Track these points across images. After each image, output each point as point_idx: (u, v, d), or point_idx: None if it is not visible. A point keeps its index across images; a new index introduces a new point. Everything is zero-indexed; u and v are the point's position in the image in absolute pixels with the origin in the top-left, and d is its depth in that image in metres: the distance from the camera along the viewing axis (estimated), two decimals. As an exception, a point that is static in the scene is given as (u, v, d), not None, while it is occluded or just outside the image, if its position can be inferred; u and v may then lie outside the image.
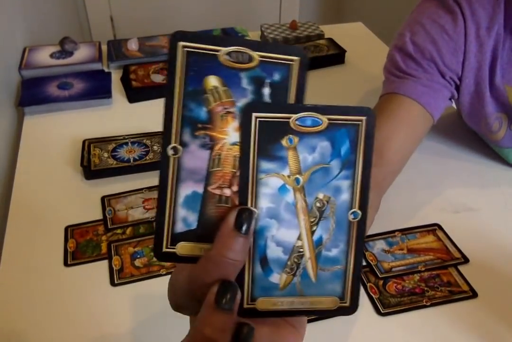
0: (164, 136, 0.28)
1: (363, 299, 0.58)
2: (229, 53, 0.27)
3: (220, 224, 0.28)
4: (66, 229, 0.67)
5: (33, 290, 0.59)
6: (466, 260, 0.62)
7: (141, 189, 0.73)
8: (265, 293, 0.29)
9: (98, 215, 0.69)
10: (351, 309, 0.30)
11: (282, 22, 1.22)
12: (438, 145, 0.83)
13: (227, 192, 0.28)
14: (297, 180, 0.28)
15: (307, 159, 0.28)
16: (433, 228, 0.67)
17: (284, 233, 0.29)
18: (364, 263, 0.62)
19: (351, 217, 0.29)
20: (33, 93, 0.93)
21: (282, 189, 0.28)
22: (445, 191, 0.74)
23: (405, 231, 0.66)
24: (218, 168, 0.28)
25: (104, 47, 1.10)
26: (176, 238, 0.29)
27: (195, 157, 0.28)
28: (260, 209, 0.28)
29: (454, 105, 0.85)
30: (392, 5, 2.08)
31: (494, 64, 0.66)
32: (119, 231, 0.67)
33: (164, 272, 0.61)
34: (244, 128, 0.27)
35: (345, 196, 0.29)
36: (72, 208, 0.70)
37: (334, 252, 0.29)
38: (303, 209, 0.29)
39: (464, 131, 0.84)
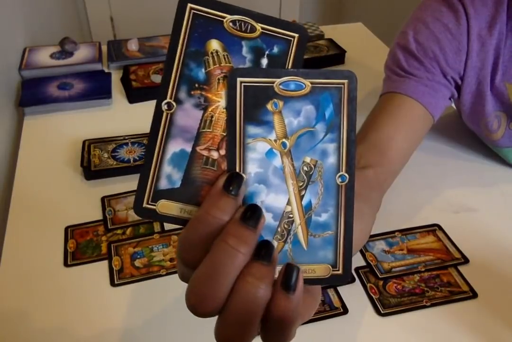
0: (161, 91, 0.28)
1: (363, 300, 0.58)
2: (233, 21, 0.28)
3: (204, 186, 0.28)
4: (66, 229, 0.67)
5: (33, 290, 0.59)
6: (466, 260, 0.62)
7: (141, 189, 0.73)
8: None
9: (98, 215, 0.69)
10: (344, 277, 0.30)
11: (282, 23, 1.22)
12: (438, 145, 0.83)
13: (215, 154, 0.29)
14: (283, 144, 0.28)
15: (292, 123, 0.28)
16: (433, 228, 0.67)
17: (273, 198, 0.29)
18: (364, 263, 0.62)
19: (339, 180, 0.29)
20: (33, 93, 0.93)
21: (269, 153, 0.28)
22: (445, 191, 0.74)
23: (405, 231, 0.66)
24: (208, 130, 0.29)
25: (104, 48, 1.10)
26: (158, 195, 0.29)
27: (187, 116, 0.29)
28: (249, 174, 0.28)
29: (453, 105, 0.85)
30: (392, 5, 2.08)
31: (496, 63, 0.66)
32: (119, 231, 0.67)
33: (164, 273, 0.61)
34: (230, 93, 0.28)
35: (332, 159, 0.29)
36: (72, 208, 0.70)
37: (324, 217, 0.29)
38: (291, 173, 0.29)
39: (464, 132, 0.84)
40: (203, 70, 0.28)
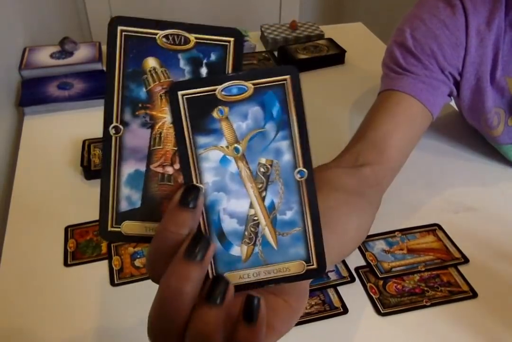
0: (106, 116, 0.29)
1: (363, 299, 0.58)
2: (166, 36, 0.28)
3: (163, 202, 0.28)
4: (66, 229, 0.67)
5: (33, 290, 0.59)
6: (466, 260, 0.62)
7: (141, 189, 0.73)
8: (229, 268, 0.29)
9: (98, 215, 0.69)
10: (319, 270, 0.30)
11: (282, 22, 1.22)
12: (438, 145, 0.83)
13: (169, 169, 0.29)
14: (236, 149, 0.28)
15: (241, 127, 0.28)
16: (433, 228, 0.67)
17: (235, 203, 0.29)
18: (364, 263, 0.62)
19: (297, 176, 0.29)
20: (33, 93, 0.93)
21: (223, 160, 0.28)
22: (445, 191, 0.74)
23: (405, 231, 0.66)
24: (159, 147, 0.29)
25: (104, 48, 1.10)
26: (120, 217, 0.29)
27: (136, 136, 0.29)
28: (206, 184, 0.28)
29: (453, 105, 0.85)
30: (392, 5, 2.08)
31: (496, 58, 0.66)
32: (119, 231, 0.67)
33: (164, 272, 0.61)
34: (173, 108, 0.28)
35: (287, 157, 0.29)
36: (72, 208, 0.70)
37: (289, 215, 0.29)
38: (248, 177, 0.29)
39: (464, 131, 0.84)
40: (144, 89, 0.29)
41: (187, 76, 0.29)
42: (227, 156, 0.28)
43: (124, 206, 0.29)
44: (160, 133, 0.29)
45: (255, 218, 0.29)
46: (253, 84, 0.28)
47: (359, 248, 0.64)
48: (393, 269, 0.61)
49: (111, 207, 0.30)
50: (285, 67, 0.28)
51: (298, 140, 0.29)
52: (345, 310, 0.56)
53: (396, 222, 0.67)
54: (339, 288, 0.59)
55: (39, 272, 0.61)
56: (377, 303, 0.57)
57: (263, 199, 0.29)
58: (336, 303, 0.57)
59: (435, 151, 0.82)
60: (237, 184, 0.29)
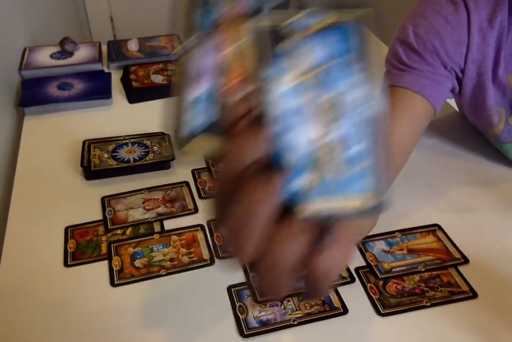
0: (185, 32, 0.28)
1: (363, 300, 0.58)
2: None
3: (237, 119, 0.27)
4: (66, 229, 0.67)
5: (33, 290, 0.59)
6: (466, 261, 0.62)
7: (141, 190, 0.73)
8: (294, 197, 0.28)
9: (98, 216, 0.69)
10: (380, 206, 0.29)
11: (282, 23, 1.22)
12: (438, 145, 0.83)
13: (238, 94, 0.28)
14: (304, 81, 0.27)
15: (319, 56, 0.27)
16: (433, 229, 0.67)
17: (305, 132, 0.28)
18: (364, 264, 0.62)
19: (367, 112, 0.28)
20: (33, 93, 0.93)
21: (290, 92, 0.27)
22: (445, 191, 0.74)
23: (405, 232, 0.66)
24: (231, 69, 0.28)
25: (104, 48, 1.10)
26: (195, 132, 0.29)
27: (206, 59, 0.28)
28: (273, 114, 0.27)
29: (454, 106, 0.85)
30: (392, 5, 2.08)
31: (498, 56, 0.66)
32: (119, 231, 0.67)
33: (164, 273, 0.61)
34: (247, 38, 0.27)
35: (361, 91, 0.28)
36: (72, 208, 0.70)
37: (355, 149, 0.28)
38: (319, 108, 0.28)
39: (464, 132, 0.84)
40: (217, 11, 0.28)
41: None
42: (295, 87, 0.27)
43: (198, 121, 0.29)
44: (229, 57, 0.28)
45: (323, 149, 0.28)
46: (329, 17, 0.26)
47: (359, 248, 0.64)
48: (393, 269, 0.61)
49: (184, 122, 0.29)
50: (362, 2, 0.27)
51: (370, 76, 0.28)
52: (345, 311, 0.56)
53: (396, 222, 0.67)
54: (339, 289, 0.59)
55: (39, 272, 0.61)
56: (377, 303, 0.57)
57: (333, 130, 0.28)
58: (336, 303, 0.57)
59: (435, 151, 0.82)
60: (308, 114, 0.27)
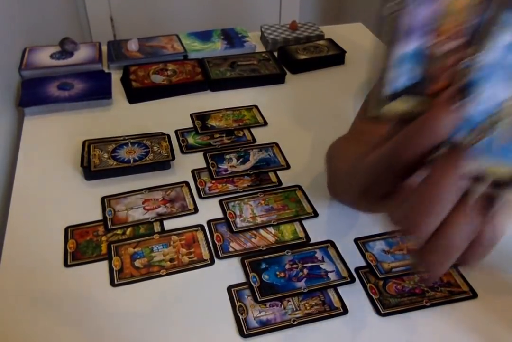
0: None
1: (363, 300, 0.58)
2: None
3: (440, 79, 0.27)
4: (66, 229, 0.67)
5: (33, 290, 0.59)
6: (466, 261, 0.62)
7: (141, 190, 0.73)
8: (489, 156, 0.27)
9: (98, 216, 0.69)
10: None
11: (282, 23, 1.22)
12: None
13: (453, 44, 0.27)
14: None
15: None
16: (433, 228, 0.67)
17: (493, 92, 0.26)
18: (364, 264, 0.62)
19: None
20: (33, 93, 0.93)
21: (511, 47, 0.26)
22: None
23: (405, 231, 0.66)
24: (441, 23, 0.27)
25: (104, 48, 1.10)
26: (399, 92, 0.28)
27: (417, 13, 0.27)
28: (480, 60, 0.26)
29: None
30: (392, 5, 2.08)
31: None
32: (119, 231, 0.67)
33: (164, 273, 0.61)
34: None
35: None
36: (72, 209, 0.70)
37: None
38: None
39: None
40: None
41: None
42: None
43: (402, 81, 0.28)
44: (443, 9, 0.26)
45: (503, 112, 0.27)
46: None
47: (359, 248, 0.64)
48: (393, 270, 0.61)
49: (388, 81, 0.28)
50: None
51: None
52: (345, 311, 0.56)
53: (396, 222, 0.67)
54: (339, 289, 0.59)
55: (39, 272, 0.61)
56: (377, 303, 0.57)
57: None
58: (336, 303, 0.57)
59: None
60: (508, 75, 0.26)
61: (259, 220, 0.68)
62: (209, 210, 0.70)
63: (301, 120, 0.89)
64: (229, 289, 0.59)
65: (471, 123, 0.27)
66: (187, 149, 0.82)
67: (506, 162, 0.27)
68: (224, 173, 0.76)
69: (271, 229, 0.66)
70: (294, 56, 1.04)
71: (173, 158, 0.77)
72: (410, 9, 0.26)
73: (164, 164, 0.77)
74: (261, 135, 0.85)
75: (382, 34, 0.27)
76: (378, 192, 0.29)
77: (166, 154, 0.78)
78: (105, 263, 0.62)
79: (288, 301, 0.57)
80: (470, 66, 0.26)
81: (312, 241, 0.65)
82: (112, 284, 0.60)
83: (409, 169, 0.27)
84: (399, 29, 0.27)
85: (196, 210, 0.70)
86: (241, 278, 0.60)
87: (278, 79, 1.01)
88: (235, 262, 0.62)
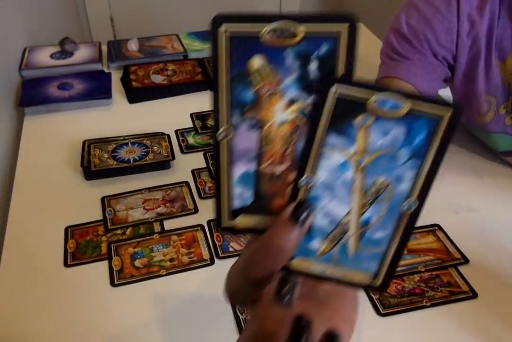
0: (214, 120, 0.28)
1: (363, 300, 0.58)
2: (272, 30, 0.26)
3: (274, 198, 0.29)
4: (66, 229, 0.67)
5: (33, 290, 0.59)
6: (466, 260, 0.62)
7: (141, 190, 0.73)
8: (302, 255, 0.30)
9: (98, 216, 0.69)
10: (380, 289, 0.30)
11: (282, 23, 1.22)
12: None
13: (279, 169, 0.29)
14: (360, 160, 0.28)
15: (376, 142, 0.27)
16: (433, 229, 0.67)
17: (335, 206, 0.29)
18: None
19: (405, 207, 0.29)
20: (33, 93, 0.93)
21: (343, 165, 0.28)
22: (445, 191, 0.74)
23: (405, 231, 0.66)
24: (268, 147, 0.29)
25: (104, 48, 1.10)
26: (234, 213, 0.30)
27: (245, 139, 0.28)
28: (317, 180, 0.28)
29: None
30: (392, 5, 2.08)
31: (490, 43, 0.68)
32: (119, 231, 0.67)
33: (164, 273, 0.61)
34: (321, 100, 0.27)
35: (405, 185, 0.28)
36: (72, 209, 0.70)
37: (379, 235, 0.29)
38: (359, 189, 0.28)
39: (465, 131, 0.84)
40: (251, 90, 0.28)
41: (296, 73, 0.27)
42: (348, 163, 0.28)
43: (237, 203, 0.30)
44: (269, 135, 0.28)
45: (347, 225, 0.29)
46: (411, 106, 0.26)
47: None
48: (393, 269, 0.61)
49: (225, 204, 0.30)
50: (452, 102, 0.27)
51: (425, 175, 0.28)
52: (345, 310, 0.56)
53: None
54: (339, 288, 0.59)
55: (39, 272, 0.61)
56: (377, 303, 0.57)
57: (363, 213, 0.29)
58: (336, 303, 0.57)
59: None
60: (345, 191, 0.29)
61: (259, 220, 0.68)
62: (209, 210, 0.70)
63: (301, 120, 0.89)
64: (229, 289, 0.59)
65: (322, 233, 0.29)
66: (187, 149, 0.82)
67: (358, 270, 0.30)
68: (224, 172, 0.76)
69: (271, 229, 0.66)
70: (294, 56, 1.04)
71: (173, 158, 0.77)
72: (237, 137, 0.28)
73: (164, 164, 0.77)
74: (261, 135, 0.85)
75: (220, 157, 0.29)
76: (241, 299, 0.31)
77: (166, 154, 0.78)
78: (105, 263, 0.62)
79: (288, 301, 0.57)
80: (306, 185, 0.28)
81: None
82: (112, 284, 0.59)
83: (267, 279, 0.29)
84: (232, 153, 0.29)
85: (196, 210, 0.70)
86: (241, 278, 0.60)
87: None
88: (235, 262, 0.62)
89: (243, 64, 0.27)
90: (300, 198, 0.29)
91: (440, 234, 0.66)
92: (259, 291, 0.29)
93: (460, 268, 0.61)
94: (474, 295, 0.58)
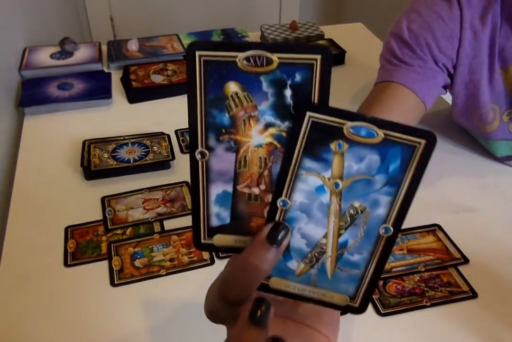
0: (190, 142, 0.29)
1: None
2: (247, 58, 0.27)
3: (252, 219, 0.30)
4: (66, 229, 0.67)
5: (33, 290, 0.59)
6: (466, 260, 0.62)
7: (141, 189, 0.73)
8: (280, 274, 0.30)
9: (98, 215, 0.69)
10: (358, 310, 0.31)
11: (282, 23, 1.22)
12: (437, 145, 0.83)
13: (256, 190, 0.29)
14: (336, 184, 0.28)
15: (352, 167, 0.28)
16: (433, 228, 0.67)
17: (312, 228, 0.29)
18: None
19: (382, 231, 0.29)
20: (33, 93, 0.93)
21: (320, 189, 0.29)
22: (445, 191, 0.74)
23: (405, 231, 0.66)
24: (245, 169, 0.29)
25: (104, 48, 1.10)
26: (212, 231, 0.30)
27: (222, 160, 0.29)
28: (294, 201, 0.29)
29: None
30: (392, 5, 2.08)
31: (492, 52, 0.67)
32: (119, 231, 0.67)
33: (164, 273, 0.61)
34: (297, 125, 0.28)
35: (381, 210, 0.29)
36: (72, 208, 0.70)
37: (356, 258, 0.30)
38: (336, 212, 0.29)
39: (465, 132, 0.84)
40: (226, 114, 0.28)
41: (271, 99, 0.28)
42: (324, 186, 0.28)
43: (214, 222, 0.30)
44: (245, 157, 0.29)
45: (323, 247, 0.30)
46: (385, 134, 0.27)
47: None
48: (393, 269, 0.61)
49: (202, 222, 0.31)
50: (426, 132, 0.27)
51: (400, 201, 0.29)
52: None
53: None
54: (339, 288, 0.59)
55: (39, 272, 0.61)
56: (377, 303, 0.57)
57: (340, 235, 0.29)
58: (336, 303, 0.57)
59: (434, 151, 0.81)
60: (322, 213, 0.29)
61: (259, 220, 0.68)
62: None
63: (301, 120, 0.89)
64: (229, 289, 0.59)
65: (300, 254, 0.30)
66: (187, 149, 0.82)
67: (337, 291, 0.30)
68: (224, 172, 0.76)
69: (271, 229, 0.66)
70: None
71: (173, 158, 0.77)
72: (213, 158, 0.29)
73: (164, 164, 0.77)
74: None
75: (197, 176, 0.30)
76: (219, 318, 0.31)
77: (166, 154, 0.78)
78: (105, 263, 0.62)
79: (288, 301, 0.57)
80: (283, 206, 0.29)
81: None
82: (112, 284, 0.59)
83: (243, 299, 0.29)
84: (209, 173, 0.30)
85: (196, 210, 0.70)
86: (241, 278, 0.60)
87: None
88: (235, 262, 0.62)
89: (219, 89, 0.28)
90: (276, 219, 0.29)
91: (440, 234, 0.66)
92: (236, 310, 0.29)
93: (460, 268, 0.61)
94: (474, 295, 0.58)
